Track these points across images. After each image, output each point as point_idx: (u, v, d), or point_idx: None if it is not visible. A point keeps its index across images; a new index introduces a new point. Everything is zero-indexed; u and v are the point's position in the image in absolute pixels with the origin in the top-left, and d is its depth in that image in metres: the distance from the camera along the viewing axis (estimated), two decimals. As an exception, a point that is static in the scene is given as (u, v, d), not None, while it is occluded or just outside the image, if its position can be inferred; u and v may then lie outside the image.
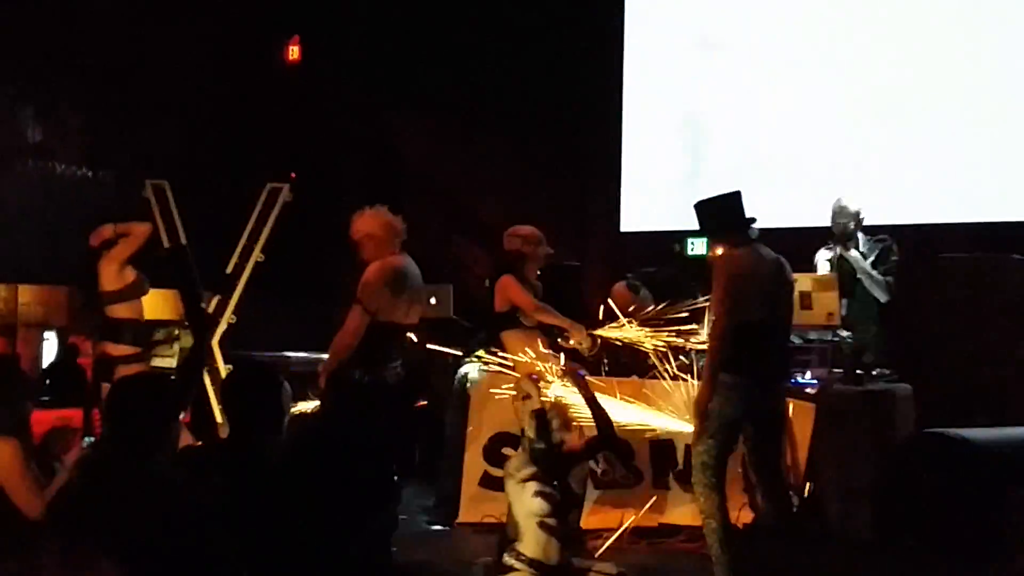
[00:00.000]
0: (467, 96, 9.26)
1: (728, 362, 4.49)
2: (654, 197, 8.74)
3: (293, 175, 8.06)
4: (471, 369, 6.22)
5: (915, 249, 7.13)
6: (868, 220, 6.59)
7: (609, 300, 6.74)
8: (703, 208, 4.77)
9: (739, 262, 4.55)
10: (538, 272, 6.04)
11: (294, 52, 9.11)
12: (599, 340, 5.36)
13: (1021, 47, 7.38)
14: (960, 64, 7.56)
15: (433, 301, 8.13)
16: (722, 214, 4.67)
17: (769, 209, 8.07)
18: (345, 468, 3.53)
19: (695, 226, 8.14)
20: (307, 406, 5.38)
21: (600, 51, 8.89)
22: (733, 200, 4.73)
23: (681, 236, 8.32)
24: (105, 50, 8.14)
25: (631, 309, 6.57)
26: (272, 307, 8.19)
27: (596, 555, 5.12)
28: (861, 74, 7.92)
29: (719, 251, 4.71)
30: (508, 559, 4.54)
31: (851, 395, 5.91)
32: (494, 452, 6.10)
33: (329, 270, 8.24)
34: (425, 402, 7.59)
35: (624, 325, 5.24)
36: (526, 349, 5.59)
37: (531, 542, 4.51)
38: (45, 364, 7.63)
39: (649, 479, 6.08)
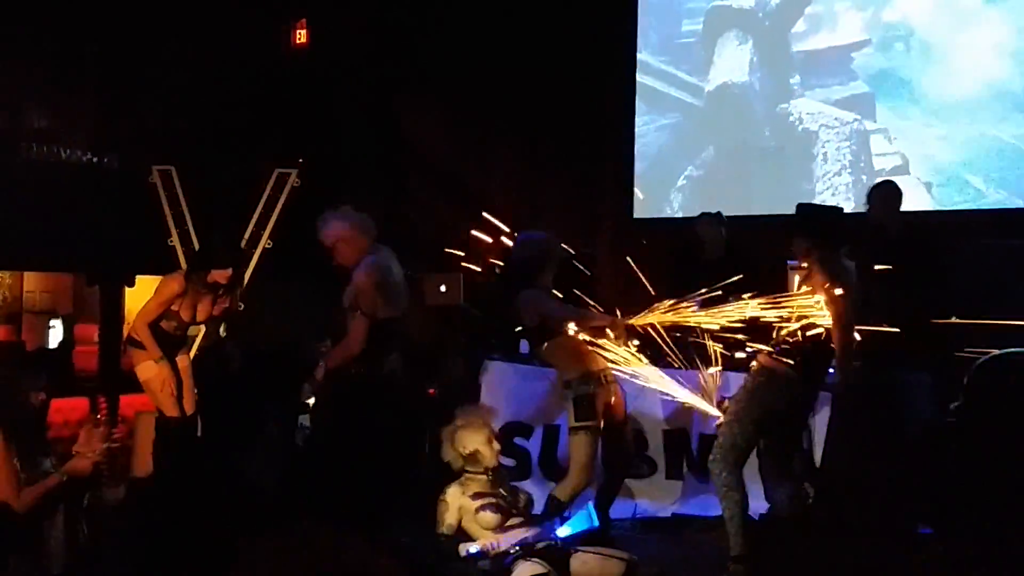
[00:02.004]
0: (476, 80, 9.16)
1: (793, 359, 4.66)
2: (666, 183, 8.63)
3: (301, 160, 7.99)
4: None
5: (944, 236, 7.03)
6: (911, 206, 6.49)
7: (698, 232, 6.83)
8: (814, 214, 5.06)
9: (847, 272, 4.76)
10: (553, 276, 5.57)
11: (301, 36, 9.02)
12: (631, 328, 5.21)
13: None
14: (980, 49, 7.44)
15: (443, 288, 8.07)
16: (831, 225, 4.92)
17: (781, 194, 8.07)
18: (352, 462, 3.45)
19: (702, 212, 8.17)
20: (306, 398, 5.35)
21: (612, 32, 8.77)
22: (839, 215, 5.14)
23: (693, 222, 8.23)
24: (111, 35, 8.06)
25: (713, 243, 6.71)
26: (280, 293, 8.12)
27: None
28: (889, 54, 7.79)
29: (810, 255, 4.81)
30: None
31: (869, 384, 5.81)
32: (505, 442, 6.04)
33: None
34: (434, 391, 7.53)
35: (656, 313, 5.10)
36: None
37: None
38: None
39: (663, 469, 6.02)
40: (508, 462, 6.07)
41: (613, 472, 5.43)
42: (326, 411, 5.16)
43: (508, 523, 4.76)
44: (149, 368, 5.72)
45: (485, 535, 4.77)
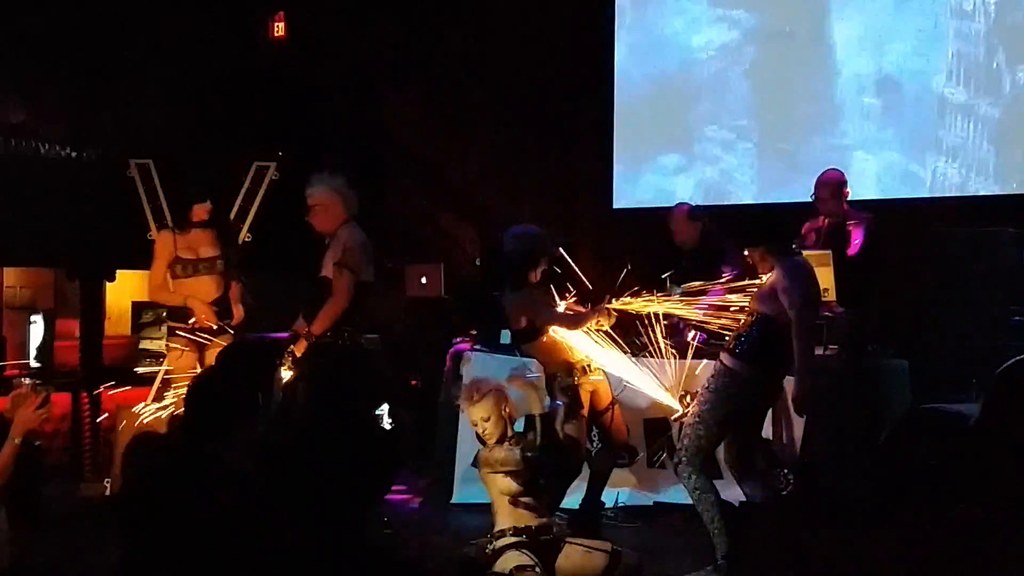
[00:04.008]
0: (454, 72, 9.18)
1: (754, 358, 4.66)
2: (646, 173, 8.68)
3: (280, 153, 7.96)
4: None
5: (909, 224, 7.13)
6: (861, 195, 6.56)
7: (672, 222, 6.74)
8: (755, 221, 5.03)
9: (807, 269, 4.82)
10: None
11: (279, 29, 9.00)
12: (615, 313, 5.24)
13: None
14: (952, 36, 7.51)
15: (424, 280, 8.09)
16: (776, 226, 4.94)
17: (758, 182, 8.14)
18: (335, 441, 3.42)
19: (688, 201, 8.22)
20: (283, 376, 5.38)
21: (589, 22, 8.80)
22: (777, 214, 5.23)
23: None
24: (87, 28, 8.02)
25: (686, 233, 6.62)
26: (259, 287, 8.11)
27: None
28: (856, 45, 7.85)
29: (762, 258, 4.80)
30: (490, 545, 4.59)
31: (847, 371, 5.89)
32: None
33: (317, 249, 8.15)
34: (416, 382, 7.56)
35: (638, 299, 5.13)
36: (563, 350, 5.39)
37: (505, 517, 4.62)
38: (33, 347, 7.54)
39: (645, 458, 6.08)
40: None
41: (604, 456, 5.50)
42: (312, 383, 5.23)
43: (523, 499, 4.68)
44: (176, 358, 5.82)
45: (500, 500, 4.65)
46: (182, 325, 5.98)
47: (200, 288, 6.05)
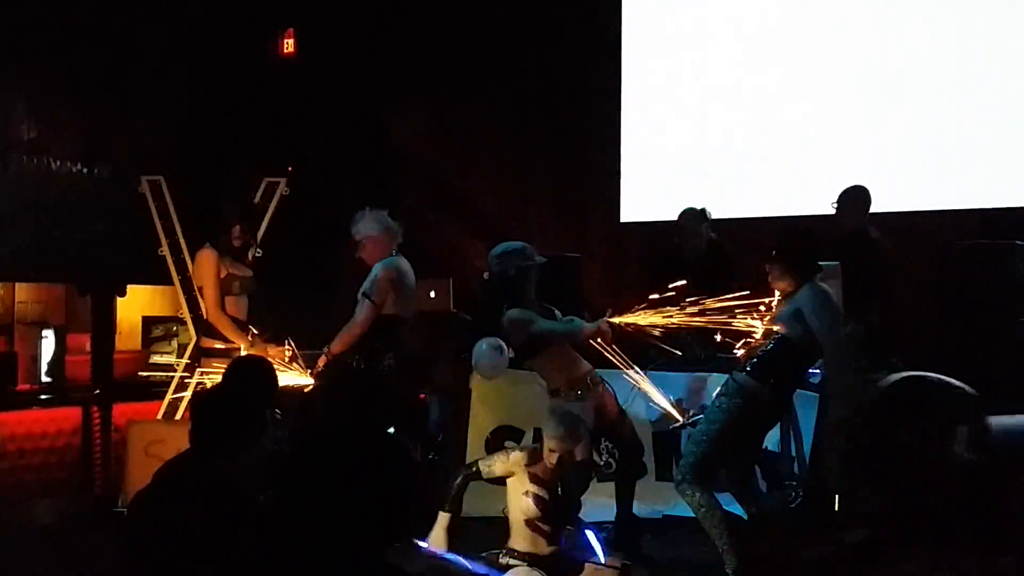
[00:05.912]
0: (463, 87, 9.21)
1: (770, 378, 4.64)
2: (655, 187, 8.68)
3: (290, 168, 8.00)
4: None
5: (924, 236, 7.11)
6: (878, 207, 6.52)
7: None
8: (799, 241, 4.83)
9: (831, 295, 4.73)
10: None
11: (288, 45, 9.07)
12: (620, 327, 5.24)
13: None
14: (965, 46, 7.51)
15: (432, 295, 8.10)
16: (811, 252, 4.77)
17: (772, 197, 8.12)
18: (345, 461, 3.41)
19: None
20: (301, 380, 5.45)
21: (598, 37, 8.83)
22: (814, 238, 4.90)
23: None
24: (98, 44, 8.08)
25: (698, 237, 6.60)
26: (270, 302, 8.13)
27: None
28: (866, 58, 7.86)
29: (783, 275, 4.73)
30: (502, 558, 4.62)
31: (856, 384, 5.86)
32: (496, 445, 6.08)
33: (328, 263, 8.19)
34: (425, 396, 7.56)
35: (641, 312, 5.13)
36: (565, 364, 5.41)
37: (519, 538, 4.68)
38: (44, 362, 7.58)
39: (653, 471, 6.06)
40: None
41: (624, 470, 5.49)
42: (322, 394, 5.35)
43: (538, 523, 4.66)
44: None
45: (516, 520, 4.70)
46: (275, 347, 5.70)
47: (244, 307, 5.88)
